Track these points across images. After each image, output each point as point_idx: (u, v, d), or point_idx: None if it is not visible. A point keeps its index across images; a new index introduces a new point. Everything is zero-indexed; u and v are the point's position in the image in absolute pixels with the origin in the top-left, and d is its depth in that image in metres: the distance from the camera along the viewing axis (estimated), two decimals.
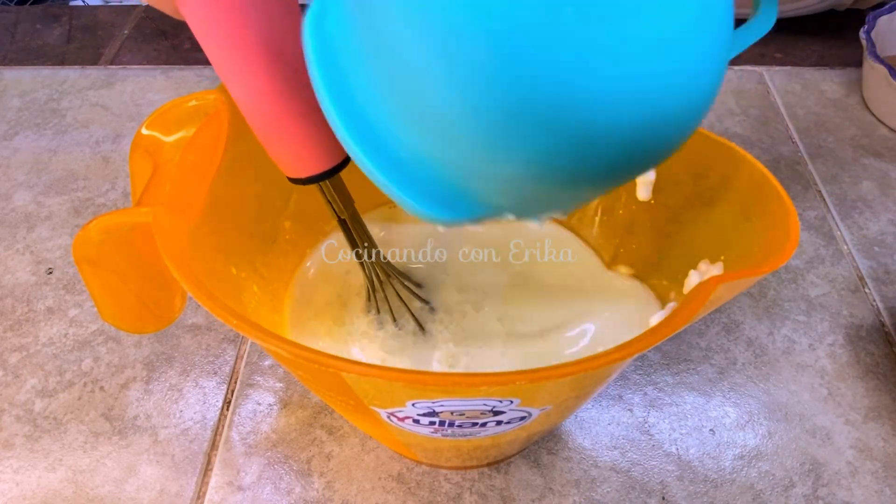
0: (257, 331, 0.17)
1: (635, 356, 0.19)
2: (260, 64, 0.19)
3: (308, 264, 0.31)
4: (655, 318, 0.24)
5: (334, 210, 0.24)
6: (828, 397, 0.32)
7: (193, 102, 0.23)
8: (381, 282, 0.28)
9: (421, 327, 0.28)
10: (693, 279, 0.24)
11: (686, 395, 0.32)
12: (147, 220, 0.19)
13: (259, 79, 0.19)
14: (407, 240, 0.32)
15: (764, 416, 0.31)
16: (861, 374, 0.32)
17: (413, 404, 0.19)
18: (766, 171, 0.21)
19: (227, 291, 0.24)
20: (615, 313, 0.29)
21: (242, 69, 0.19)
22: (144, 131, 0.22)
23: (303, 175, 0.22)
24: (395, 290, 0.28)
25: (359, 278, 0.31)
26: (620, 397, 0.32)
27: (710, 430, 0.31)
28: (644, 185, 0.26)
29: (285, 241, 0.30)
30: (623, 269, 0.30)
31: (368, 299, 0.29)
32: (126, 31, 0.57)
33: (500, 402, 0.19)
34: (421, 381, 0.17)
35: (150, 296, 0.22)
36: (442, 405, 0.19)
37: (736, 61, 0.52)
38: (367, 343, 0.28)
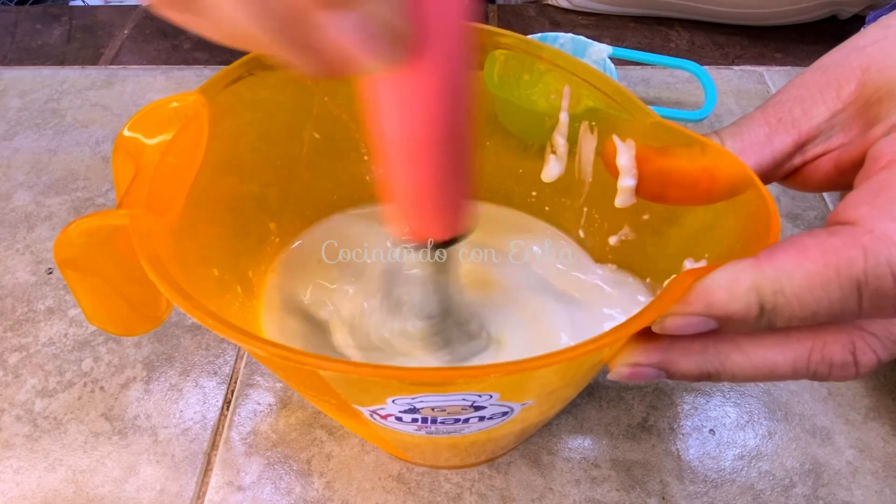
0: (232, 329, 0.17)
1: (605, 349, 0.19)
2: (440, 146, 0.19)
3: (286, 259, 0.31)
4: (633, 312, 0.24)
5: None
6: (828, 397, 0.32)
7: (175, 104, 0.23)
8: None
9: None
10: None
11: (686, 395, 0.32)
12: (125, 223, 0.19)
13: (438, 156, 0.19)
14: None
15: (764, 416, 0.31)
16: None
17: (393, 401, 0.19)
18: (742, 164, 0.21)
19: (207, 293, 0.24)
20: (609, 309, 0.29)
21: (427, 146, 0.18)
22: (126, 133, 0.22)
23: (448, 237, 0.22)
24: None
25: (340, 277, 0.31)
26: (621, 397, 0.32)
27: (710, 430, 0.31)
28: (623, 192, 0.26)
29: (270, 242, 0.30)
30: (610, 269, 0.30)
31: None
32: (126, 31, 0.57)
33: (480, 396, 0.19)
34: (396, 376, 0.17)
35: (137, 296, 0.22)
36: (422, 401, 0.19)
37: (736, 61, 0.52)
38: (350, 340, 0.28)
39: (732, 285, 0.17)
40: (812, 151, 0.22)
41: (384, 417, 0.21)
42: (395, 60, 0.15)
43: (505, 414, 0.21)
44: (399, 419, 0.21)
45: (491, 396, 0.19)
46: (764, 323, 0.18)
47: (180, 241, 0.22)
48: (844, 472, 0.29)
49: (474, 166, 0.20)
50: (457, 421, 0.21)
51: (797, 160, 0.23)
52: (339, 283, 0.30)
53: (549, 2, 0.58)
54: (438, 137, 0.18)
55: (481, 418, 0.21)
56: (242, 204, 0.28)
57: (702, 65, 0.44)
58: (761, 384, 0.32)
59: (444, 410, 0.20)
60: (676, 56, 0.46)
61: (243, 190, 0.28)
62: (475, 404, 0.20)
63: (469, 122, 0.18)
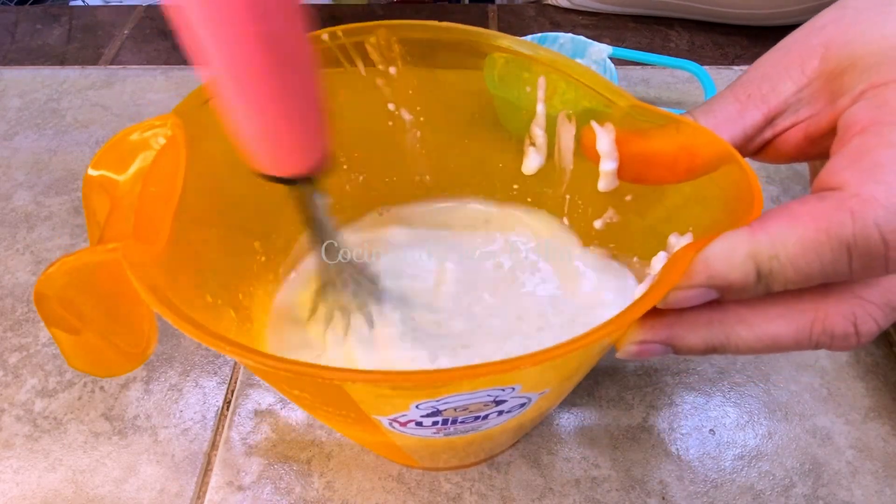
0: (256, 355, 0.17)
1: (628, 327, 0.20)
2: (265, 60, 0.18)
3: (285, 280, 0.31)
4: (639, 291, 0.24)
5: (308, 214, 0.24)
6: (828, 397, 0.32)
7: (136, 135, 0.22)
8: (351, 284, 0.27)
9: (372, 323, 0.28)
10: (661, 257, 0.24)
11: (686, 394, 0.32)
12: (116, 257, 0.18)
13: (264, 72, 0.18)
14: (405, 240, 0.32)
15: (764, 416, 0.31)
16: (861, 374, 0.32)
17: (416, 406, 0.19)
18: (719, 138, 0.22)
19: (207, 321, 0.24)
20: (600, 291, 0.29)
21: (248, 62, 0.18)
22: (92, 172, 0.22)
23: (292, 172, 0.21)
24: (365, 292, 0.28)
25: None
26: (621, 397, 0.32)
27: (710, 430, 0.31)
28: (606, 177, 0.26)
29: (257, 261, 0.30)
30: (597, 250, 0.30)
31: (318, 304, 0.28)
32: (126, 31, 0.57)
33: (503, 390, 0.19)
34: (431, 380, 0.17)
35: (118, 335, 0.21)
36: (446, 402, 0.19)
37: (736, 61, 0.52)
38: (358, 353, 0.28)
39: (730, 255, 0.18)
40: (781, 124, 0.23)
41: (404, 424, 0.21)
42: None
43: (522, 405, 0.21)
44: (419, 424, 0.21)
45: (514, 389, 0.19)
46: (762, 288, 0.18)
47: (171, 270, 0.21)
48: (844, 472, 0.29)
49: (316, 90, 0.19)
50: (476, 419, 0.21)
51: (767, 133, 0.24)
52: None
53: (549, 2, 0.58)
54: (249, 34, 0.17)
55: (500, 412, 0.21)
56: (225, 225, 0.27)
57: (702, 65, 0.44)
58: (761, 384, 0.32)
59: (467, 409, 0.20)
60: (676, 56, 0.46)
61: (224, 209, 0.27)
62: (497, 399, 0.20)
63: (288, 28, 0.17)
